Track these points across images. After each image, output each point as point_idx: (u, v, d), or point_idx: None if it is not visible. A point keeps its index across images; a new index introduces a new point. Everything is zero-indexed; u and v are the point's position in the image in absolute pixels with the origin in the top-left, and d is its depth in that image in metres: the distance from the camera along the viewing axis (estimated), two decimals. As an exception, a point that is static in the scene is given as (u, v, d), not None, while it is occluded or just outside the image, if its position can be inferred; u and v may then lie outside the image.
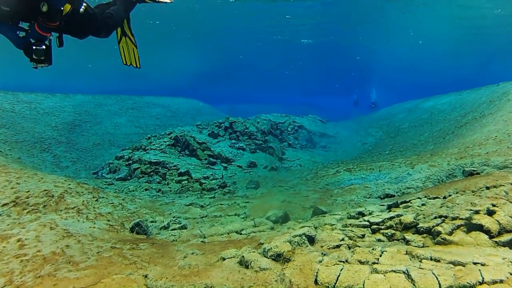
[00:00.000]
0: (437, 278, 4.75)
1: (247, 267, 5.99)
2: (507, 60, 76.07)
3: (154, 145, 23.15)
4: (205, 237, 8.88)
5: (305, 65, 77.35)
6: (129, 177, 18.94)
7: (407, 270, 5.01)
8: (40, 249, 6.96)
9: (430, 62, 77.41)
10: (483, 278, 4.72)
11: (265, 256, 6.17)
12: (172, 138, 23.64)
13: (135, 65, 7.67)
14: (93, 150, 25.34)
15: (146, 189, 16.33)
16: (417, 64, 78.62)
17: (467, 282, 4.67)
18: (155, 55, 67.01)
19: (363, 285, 4.88)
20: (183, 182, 17.49)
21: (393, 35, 47.16)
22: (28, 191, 10.26)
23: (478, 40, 51.23)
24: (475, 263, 5.10)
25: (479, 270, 4.89)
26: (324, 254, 6.14)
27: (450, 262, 5.20)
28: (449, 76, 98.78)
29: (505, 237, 6.06)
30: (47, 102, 30.01)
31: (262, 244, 6.99)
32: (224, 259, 6.48)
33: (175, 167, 19.67)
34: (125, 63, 7.63)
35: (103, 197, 11.90)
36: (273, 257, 6.07)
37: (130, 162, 20.59)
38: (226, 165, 21.76)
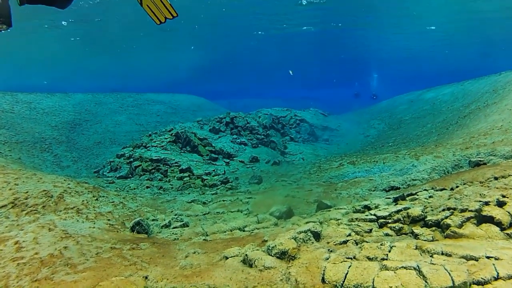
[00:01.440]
0: (450, 274, 4.52)
1: (250, 266, 5.79)
2: (508, 49, 75.61)
3: (155, 142, 22.97)
4: (207, 235, 8.69)
5: (304, 55, 76.87)
6: (130, 175, 18.77)
7: (418, 266, 4.78)
8: (38, 251, 6.76)
9: (432, 52, 77.02)
10: (498, 273, 4.49)
11: (269, 254, 5.96)
12: (173, 134, 23.47)
13: (170, 16, 7.10)
14: (94, 148, 25.20)
15: (147, 187, 16.16)
16: (418, 54, 78.17)
17: (482, 278, 4.44)
18: (154, 51, 66.71)
19: (373, 283, 4.66)
20: (185, 179, 17.32)
21: (393, 23, 46.76)
22: (27, 192, 10.09)
23: (481, 28, 50.83)
24: (488, 257, 4.87)
25: (493, 264, 4.67)
26: (331, 251, 5.93)
27: (462, 257, 4.97)
28: (450, 66, 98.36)
29: (517, 229, 5.85)
30: (47, 102, 29.86)
31: (266, 241, 6.80)
32: (227, 258, 6.28)
33: (176, 164, 19.51)
34: (158, 22, 7.08)
35: (103, 196, 11.73)
36: (278, 255, 5.87)
37: (131, 160, 20.41)
38: (228, 160, 21.58)
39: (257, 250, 6.28)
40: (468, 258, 4.94)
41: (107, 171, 20.03)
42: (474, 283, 4.43)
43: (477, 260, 4.84)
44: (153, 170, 18.91)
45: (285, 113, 33.41)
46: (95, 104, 33.15)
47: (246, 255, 6.02)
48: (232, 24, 44.83)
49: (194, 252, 6.89)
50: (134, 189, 15.89)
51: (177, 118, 35.26)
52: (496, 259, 4.81)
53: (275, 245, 6.01)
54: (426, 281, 4.48)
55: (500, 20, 45.37)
